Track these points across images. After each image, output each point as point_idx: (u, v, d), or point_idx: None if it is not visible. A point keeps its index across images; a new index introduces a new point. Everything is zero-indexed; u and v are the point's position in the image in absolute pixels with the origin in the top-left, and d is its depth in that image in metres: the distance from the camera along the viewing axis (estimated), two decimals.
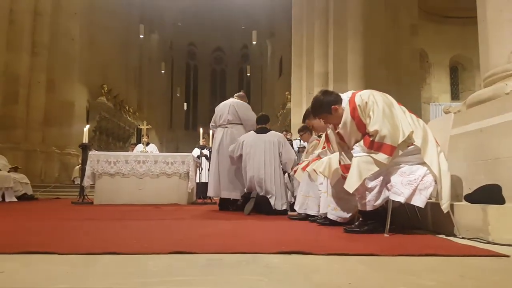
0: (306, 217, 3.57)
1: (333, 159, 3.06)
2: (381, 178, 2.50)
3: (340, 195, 2.95)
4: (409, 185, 2.43)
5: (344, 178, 2.74)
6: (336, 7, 11.10)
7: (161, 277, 1.38)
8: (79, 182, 8.46)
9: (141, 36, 24.48)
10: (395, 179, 2.47)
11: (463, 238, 2.34)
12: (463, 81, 15.20)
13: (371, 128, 2.51)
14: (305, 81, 13.78)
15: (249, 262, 1.63)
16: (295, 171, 4.35)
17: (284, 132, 10.54)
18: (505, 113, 2.68)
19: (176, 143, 29.15)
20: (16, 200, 7.74)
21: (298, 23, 15.14)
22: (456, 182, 2.82)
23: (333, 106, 2.68)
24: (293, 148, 9.50)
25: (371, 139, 2.50)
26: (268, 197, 4.46)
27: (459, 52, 14.60)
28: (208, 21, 29.36)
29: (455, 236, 2.41)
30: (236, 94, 5.68)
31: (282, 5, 20.11)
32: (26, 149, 12.21)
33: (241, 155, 4.79)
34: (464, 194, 2.67)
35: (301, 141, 8.30)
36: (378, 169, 2.47)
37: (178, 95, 32.46)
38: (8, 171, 8.01)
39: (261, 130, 4.83)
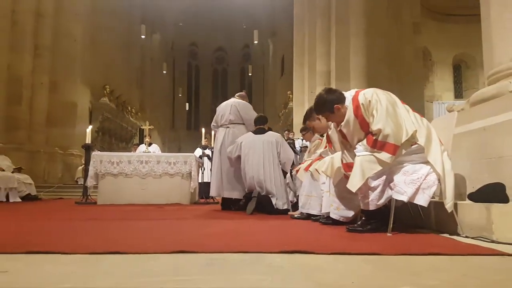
0: (309, 217, 3.56)
1: (336, 158, 3.05)
2: (384, 177, 2.49)
3: (343, 194, 2.95)
4: (412, 184, 2.42)
5: (346, 177, 2.74)
6: (338, 5, 11.07)
7: (164, 276, 1.38)
8: (82, 183, 8.49)
9: (143, 37, 24.52)
10: (398, 178, 2.46)
11: (466, 237, 2.33)
12: (467, 79, 15.13)
13: (374, 127, 2.50)
14: (307, 80, 13.76)
15: (252, 262, 1.63)
16: (297, 171, 4.35)
17: (286, 132, 10.54)
18: (509, 111, 2.66)
19: (178, 143, 29.20)
20: (20, 200, 7.78)
21: (300, 22, 15.13)
22: (459, 181, 2.81)
23: (335, 106, 2.67)
24: (295, 147, 9.51)
25: (374, 138, 2.49)
26: (269, 196, 4.46)
27: (463, 50, 14.53)
28: (210, 21, 29.39)
29: (458, 235, 2.40)
30: (237, 94, 5.67)
31: (283, 4, 20.09)
32: (29, 150, 12.26)
33: (239, 156, 4.79)
34: (467, 193, 2.66)
35: (303, 140, 8.30)
36: (381, 168, 2.46)
37: (180, 95, 32.50)
38: (12, 172, 8.05)
39: (259, 131, 4.83)
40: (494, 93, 2.99)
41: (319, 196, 3.41)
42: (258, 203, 4.41)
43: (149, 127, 8.57)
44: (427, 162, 2.48)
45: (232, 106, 5.34)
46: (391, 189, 2.48)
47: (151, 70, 27.28)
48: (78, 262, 1.61)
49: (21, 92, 12.26)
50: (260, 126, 4.91)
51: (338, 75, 10.74)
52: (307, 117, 3.75)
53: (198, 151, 8.72)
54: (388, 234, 2.43)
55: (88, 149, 7.23)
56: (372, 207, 2.52)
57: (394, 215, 2.49)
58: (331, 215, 3.04)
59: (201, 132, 7.97)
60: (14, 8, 12.26)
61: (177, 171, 6.81)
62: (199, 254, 1.77)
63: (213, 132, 5.92)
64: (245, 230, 2.92)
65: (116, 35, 20.20)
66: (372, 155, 2.48)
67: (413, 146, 2.52)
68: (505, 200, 2.39)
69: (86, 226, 3.20)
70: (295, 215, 3.85)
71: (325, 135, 3.83)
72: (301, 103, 14.32)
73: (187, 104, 32.82)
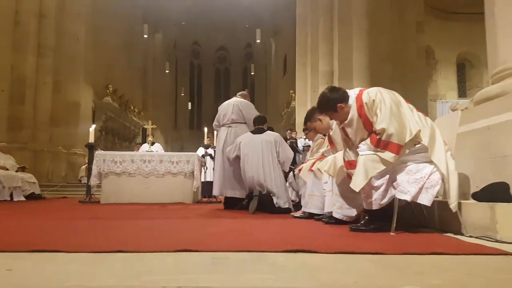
0: (311, 216, 3.56)
1: (338, 157, 3.04)
2: (387, 176, 2.49)
3: (346, 194, 2.94)
4: (416, 184, 2.41)
5: (349, 176, 2.73)
6: (340, 4, 11.05)
7: (168, 275, 1.39)
8: (85, 182, 8.51)
9: (145, 36, 24.54)
10: (401, 177, 2.46)
11: (470, 236, 2.32)
12: (471, 78, 15.06)
13: (378, 126, 2.49)
14: (310, 79, 13.75)
15: (255, 261, 1.64)
16: (300, 170, 4.34)
17: (289, 131, 10.53)
18: None
19: (181, 142, 29.25)
20: (24, 199, 7.82)
21: (303, 21, 15.11)
22: (463, 180, 2.79)
23: (338, 105, 2.67)
24: (298, 146, 9.51)
25: (378, 137, 2.49)
26: (271, 195, 4.45)
27: (466, 49, 14.46)
28: (212, 20, 29.38)
29: (462, 234, 2.39)
30: (239, 93, 5.67)
31: (286, 3, 20.05)
32: (33, 149, 12.33)
33: (237, 157, 4.79)
34: (471, 192, 2.65)
35: (306, 139, 8.29)
36: (384, 167, 2.45)
37: (182, 94, 32.54)
38: (16, 171, 8.09)
39: (257, 131, 4.83)
40: (498, 91, 2.97)
41: (321, 195, 3.41)
42: (260, 202, 4.40)
43: (152, 126, 8.60)
44: (430, 162, 2.47)
45: (234, 105, 5.33)
46: (395, 188, 2.48)
47: (154, 70, 27.33)
48: (82, 261, 1.62)
49: (25, 92, 12.32)
50: (259, 126, 4.91)
51: (341, 74, 10.71)
52: (308, 118, 3.73)
53: (201, 150, 8.73)
54: (391, 234, 2.42)
55: (91, 148, 7.26)
56: (375, 207, 2.51)
57: (397, 215, 2.48)
58: (334, 215, 3.04)
59: (204, 131, 7.98)
60: (17, 8, 12.32)
61: (179, 170, 6.82)
62: (202, 253, 1.77)
63: (215, 132, 5.93)
64: (248, 229, 2.92)
65: (118, 34, 20.25)
66: (375, 154, 2.48)
67: (416, 146, 2.51)
68: (509, 199, 2.37)
69: (89, 225, 3.21)
70: (298, 215, 3.85)
71: (327, 135, 3.82)
72: (303, 103, 14.30)
73: (189, 103, 32.85)
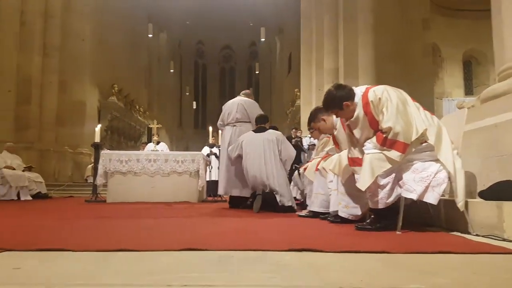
0: (316, 215, 3.55)
1: (343, 156, 3.03)
2: (393, 175, 2.47)
3: (351, 192, 2.93)
4: (422, 182, 2.40)
5: (352, 173, 2.73)
6: (345, 1, 10.99)
7: (173, 273, 1.39)
8: (92, 181, 8.58)
9: (150, 36, 24.62)
10: (407, 176, 2.44)
11: (477, 235, 2.31)
12: (477, 75, 14.91)
13: (384, 125, 2.48)
14: (315, 77, 13.70)
15: (260, 259, 1.64)
16: (305, 169, 4.33)
17: (294, 130, 10.50)
18: None
19: (186, 141, 29.33)
20: (31, 198, 7.89)
21: (307, 19, 15.06)
22: (470, 179, 2.77)
23: (344, 103, 2.65)
24: (303, 145, 9.49)
25: (384, 135, 2.47)
26: (274, 193, 4.44)
27: (473, 46, 14.32)
28: (216, 19, 29.37)
29: (469, 233, 2.38)
30: (242, 92, 5.66)
31: (290, 1, 19.99)
32: (39, 149, 12.44)
33: (239, 156, 4.78)
34: (478, 191, 2.63)
35: (311, 138, 8.27)
36: (390, 166, 2.44)
37: (187, 94, 32.61)
38: (23, 171, 8.17)
39: (259, 129, 4.83)
40: (505, 89, 2.94)
41: (326, 194, 3.40)
42: (264, 201, 4.40)
43: (157, 125, 8.62)
44: (437, 160, 2.45)
45: (239, 104, 5.33)
46: (400, 187, 2.46)
47: (159, 69, 27.41)
48: (88, 260, 1.63)
49: (31, 92, 12.43)
50: (261, 124, 4.90)
51: (346, 72, 10.66)
52: (312, 118, 3.71)
53: (206, 150, 8.74)
54: (398, 232, 2.41)
55: (97, 147, 7.30)
56: (381, 206, 2.50)
57: (403, 213, 2.47)
58: (340, 213, 3.03)
59: (209, 131, 7.99)
60: (23, 8, 12.42)
61: (185, 169, 6.84)
62: (207, 251, 1.78)
63: (220, 131, 5.93)
64: (253, 228, 2.92)
65: (123, 34, 20.33)
66: (381, 153, 2.46)
67: (423, 144, 2.50)
68: None
69: (95, 224, 3.23)
70: (303, 214, 3.84)
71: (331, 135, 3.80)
72: (308, 101, 14.26)
73: (194, 102, 32.91)
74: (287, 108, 22.45)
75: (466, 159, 2.67)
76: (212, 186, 7.90)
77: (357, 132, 2.70)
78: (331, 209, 3.21)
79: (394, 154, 2.42)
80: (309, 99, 14.25)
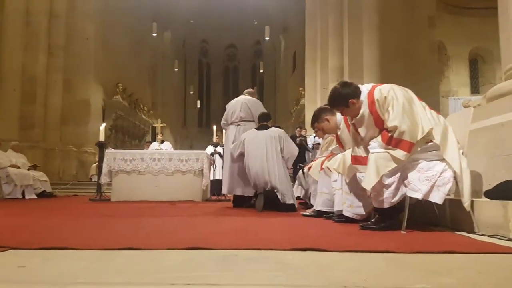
0: (321, 214, 3.54)
1: (347, 155, 3.02)
2: (398, 174, 2.46)
3: (356, 191, 2.92)
4: (427, 181, 2.38)
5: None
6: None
7: (178, 272, 1.39)
8: (96, 180, 8.61)
9: (154, 35, 24.66)
10: (412, 175, 2.43)
11: (482, 235, 2.29)
12: (483, 74, 14.77)
13: (390, 124, 2.46)
14: (319, 76, 13.66)
15: (264, 259, 1.63)
16: (309, 168, 4.32)
17: (298, 129, 10.48)
18: None
19: (190, 140, 29.37)
20: (35, 197, 7.94)
21: (312, 17, 15.01)
22: (475, 178, 2.75)
23: (350, 100, 2.64)
24: (307, 144, 9.47)
25: (389, 135, 2.46)
26: (275, 191, 4.43)
27: (479, 44, 14.19)
28: (220, 18, 29.36)
29: (474, 233, 2.36)
30: (246, 91, 5.65)
31: None
32: (44, 148, 12.51)
33: (241, 154, 4.77)
34: (484, 190, 2.60)
35: (316, 137, 8.25)
36: (395, 165, 2.43)
37: (191, 93, 32.65)
38: (28, 169, 8.22)
39: (262, 127, 4.82)
40: (511, 88, 2.91)
41: (330, 193, 3.39)
42: (266, 199, 4.38)
43: (161, 124, 8.63)
44: (442, 160, 2.43)
45: (243, 103, 5.32)
46: (406, 186, 2.45)
47: (163, 68, 27.47)
48: (92, 258, 1.63)
49: (36, 91, 12.51)
50: (264, 122, 4.89)
51: (351, 70, 10.62)
52: (315, 119, 3.69)
53: (210, 149, 8.75)
54: (402, 232, 2.40)
55: (101, 146, 7.33)
56: (386, 205, 2.49)
57: (408, 213, 2.45)
58: (344, 213, 3.02)
59: (213, 130, 7.99)
60: (28, 8, 12.49)
61: (189, 168, 6.85)
62: (211, 250, 1.77)
63: (224, 130, 5.93)
64: (256, 227, 2.92)
65: (128, 33, 20.39)
66: (386, 152, 2.45)
67: (428, 144, 2.48)
68: None
69: (99, 222, 3.24)
70: (307, 213, 3.83)
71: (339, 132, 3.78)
72: (313, 100, 14.23)
73: (198, 101, 32.95)
74: (292, 107, 22.41)
75: (472, 158, 2.64)
76: (216, 185, 7.90)
77: (362, 131, 2.68)
78: (335, 209, 3.20)
79: (400, 153, 2.41)
80: (314, 98, 14.22)
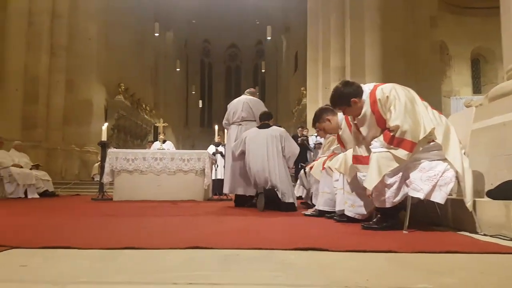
0: (322, 214, 3.54)
1: (348, 155, 3.01)
2: (400, 174, 2.46)
3: (358, 191, 2.92)
4: (429, 181, 2.38)
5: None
6: None
7: (179, 271, 1.39)
8: (98, 179, 8.63)
9: (156, 35, 24.69)
10: (414, 175, 2.42)
11: (485, 235, 2.28)
12: (485, 73, 14.73)
13: (392, 123, 2.46)
14: (321, 76, 13.65)
15: (265, 258, 1.63)
16: (311, 168, 4.32)
17: (300, 129, 10.47)
18: None
19: (192, 140, 29.41)
20: (38, 196, 7.97)
21: (314, 17, 15.00)
22: (477, 178, 2.74)
23: (352, 99, 2.63)
24: (309, 144, 9.46)
25: (391, 134, 2.45)
26: (275, 190, 4.43)
27: (481, 44, 14.14)
28: (222, 18, 29.37)
29: (476, 233, 2.35)
30: (247, 91, 5.65)
31: None
32: (47, 147, 12.55)
33: (242, 152, 4.77)
34: (486, 190, 2.59)
35: (317, 137, 8.25)
36: (397, 165, 2.42)
37: (193, 92, 32.69)
38: (30, 169, 8.25)
39: (263, 126, 4.82)
40: None
41: (331, 192, 3.38)
42: (267, 199, 4.38)
43: (163, 124, 8.64)
44: (444, 159, 2.43)
45: (244, 103, 5.33)
46: (407, 186, 2.44)
47: (165, 68, 27.50)
48: (94, 257, 1.64)
49: (38, 91, 12.54)
50: (265, 121, 4.89)
51: (353, 70, 10.61)
52: (317, 119, 3.69)
53: (212, 148, 8.76)
54: (404, 232, 2.39)
55: (104, 146, 7.35)
56: (388, 205, 2.48)
57: (410, 212, 2.45)
58: (346, 213, 3.01)
59: (214, 129, 8.00)
60: (30, 8, 12.53)
61: (190, 168, 6.85)
62: (213, 250, 1.78)
63: (225, 130, 5.93)
64: (258, 227, 2.92)
65: (130, 33, 20.42)
66: (388, 151, 2.44)
67: (430, 143, 2.47)
68: None
69: (102, 222, 3.25)
70: (309, 213, 3.83)
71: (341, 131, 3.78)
72: (315, 100, 14.22)
73: (200, 101, 32.98)
74: (293, 107, 22.40)
75: (474, 158, 2.64)
76: (217, 184, 7.91)
77: (363, 130, 2.68)
78: (337, 208, 3.19)
79: (402, 152, 2.40)
80: (316, 97, 14.21)
